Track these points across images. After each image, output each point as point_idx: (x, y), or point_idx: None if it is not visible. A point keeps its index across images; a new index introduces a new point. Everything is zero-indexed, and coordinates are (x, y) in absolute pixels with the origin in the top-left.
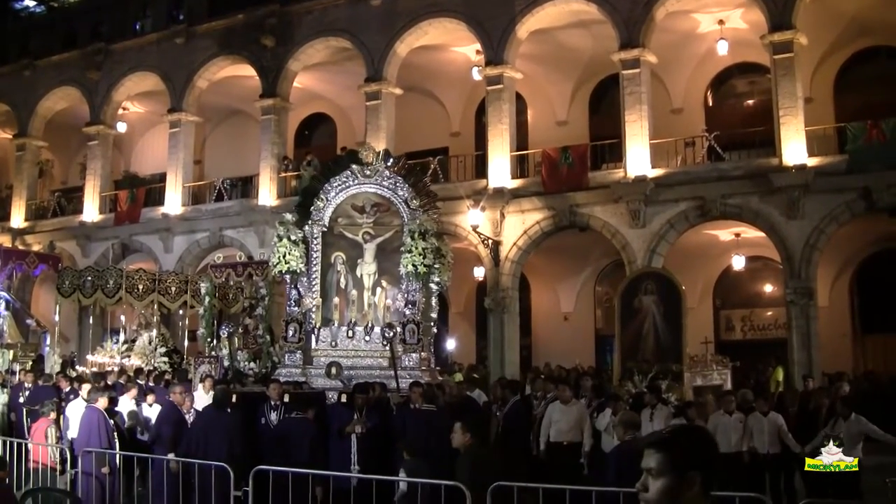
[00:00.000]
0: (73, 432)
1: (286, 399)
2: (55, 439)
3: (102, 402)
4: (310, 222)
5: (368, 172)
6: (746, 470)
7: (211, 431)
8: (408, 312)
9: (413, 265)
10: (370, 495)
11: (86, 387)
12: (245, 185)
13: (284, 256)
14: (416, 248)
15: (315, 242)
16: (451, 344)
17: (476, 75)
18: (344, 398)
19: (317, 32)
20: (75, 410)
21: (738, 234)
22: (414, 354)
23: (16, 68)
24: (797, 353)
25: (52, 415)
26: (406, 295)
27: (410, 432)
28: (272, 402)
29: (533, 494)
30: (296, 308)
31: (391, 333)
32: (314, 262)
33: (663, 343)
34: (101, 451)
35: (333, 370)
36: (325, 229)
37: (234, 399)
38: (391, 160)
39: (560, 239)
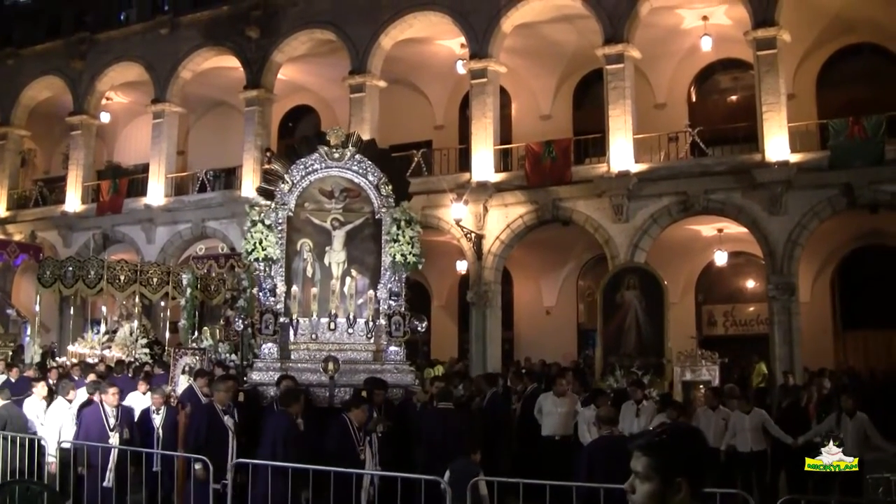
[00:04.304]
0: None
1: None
2: None
3: (108, 398)
4: (273, 206)
5: (337, 155)
6: (728, 467)
7: (288, 437)
8: (392, 304)
9: (402, 255)
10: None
11: (41, 385)
12: (228, 177)
13: (260, 243)
14: (404, 236)
15: (280, 228)
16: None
17: (460, 69)
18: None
19: (301, 24)
20: (30, 407)
21: (720, 230)
22: (398, 348)
23: None
24: (779, 348)
25: None
26: (389, 286)
27: (425, 431)
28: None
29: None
30: (272, 298)
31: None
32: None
33: (645, 338)
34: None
35: (331, 365)
36: (290, 214)
37: (241, 398)
38: (361, 144)
39: (543, 233)
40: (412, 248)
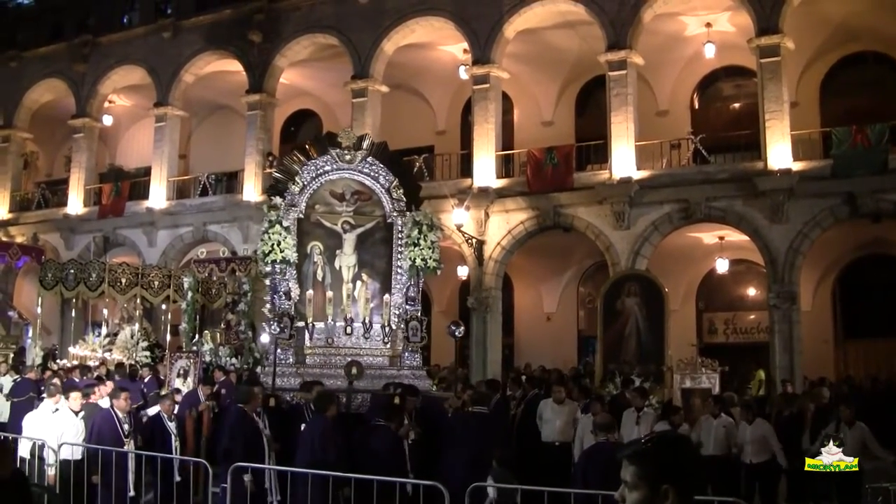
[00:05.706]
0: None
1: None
2: None
3: (120, 404)
4: (284, 207)
5: (348, 157)
6: (730, 475)
7: (328, 441)
8: (409, 309)
9: (423, 259)
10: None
11: (73, 395)
12: (230, 181)
13: (279, 244)
14: (426, 241)
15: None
16: None
17: (463, 74)
18: (396, 400)
19: (304, 29)
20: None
21: (721, 237)
22: (415, 353)
23: (2, 60)
24: (779, 357)
25: None
26: (405, 290)
27: (459, 435)
28: (313, 406)
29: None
30: (287, 302)
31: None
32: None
33: (645, 345)
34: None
35: (354, 370)
36: (300, 216)
37: (271, 403)
38: (372, 146)
39: (544, 239)
40: (433, 252)
